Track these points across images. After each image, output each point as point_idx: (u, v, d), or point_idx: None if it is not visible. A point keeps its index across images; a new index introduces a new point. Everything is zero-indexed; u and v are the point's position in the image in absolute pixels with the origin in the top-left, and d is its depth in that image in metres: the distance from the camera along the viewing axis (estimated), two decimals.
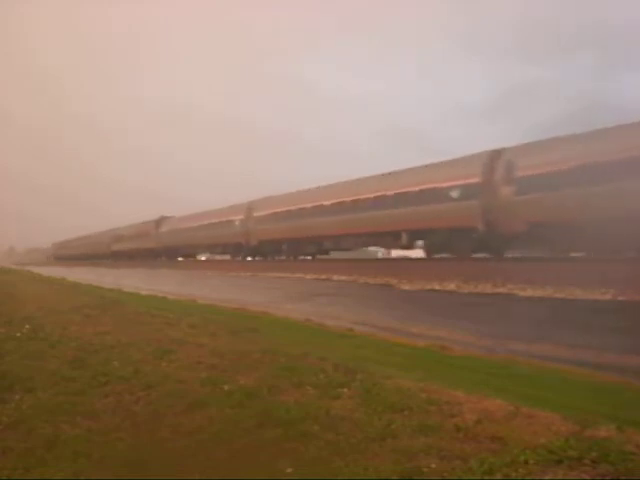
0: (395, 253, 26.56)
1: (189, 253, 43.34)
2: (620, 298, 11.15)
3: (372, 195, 23.45)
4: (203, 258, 43.45)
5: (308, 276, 22.51)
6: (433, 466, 2.72)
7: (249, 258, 34.20)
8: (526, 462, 2.69)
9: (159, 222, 46.58)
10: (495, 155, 18.75)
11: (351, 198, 24.80)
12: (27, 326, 7.82)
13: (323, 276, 21.85)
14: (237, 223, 34.53)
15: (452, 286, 15.26)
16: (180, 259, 44.41)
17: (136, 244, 49.51)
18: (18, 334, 7.22)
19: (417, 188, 21.10)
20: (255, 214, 33.07)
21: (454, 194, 19.35)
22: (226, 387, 4.33)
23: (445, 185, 19.94)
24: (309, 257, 29.14)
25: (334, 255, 28.02)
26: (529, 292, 13.04)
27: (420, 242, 22.58)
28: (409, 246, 23.26)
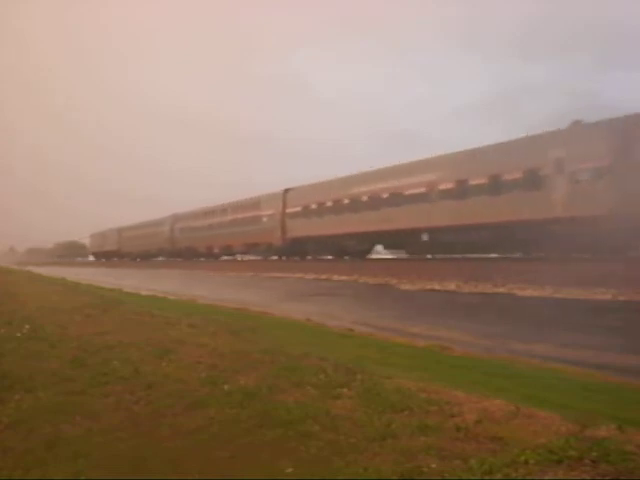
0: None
1: None
2: (620, 298, 11.15)
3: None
4: None
5: (308, 276, 22.53)
6: (433, 466, 2.72)
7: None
8: (526, 462, 2.69)
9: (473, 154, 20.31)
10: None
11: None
12: (27, 326, 7.82)
13: (323, 276, 21.87)
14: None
15: (452, 286, 15.27)
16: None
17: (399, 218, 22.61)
18: (18, 334, 7.22)
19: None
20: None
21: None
22: (226, 387, 4.33)
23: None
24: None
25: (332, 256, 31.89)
26: (529, 292, 13.05)
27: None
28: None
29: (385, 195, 23.87)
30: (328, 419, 3.48)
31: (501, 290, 13.88)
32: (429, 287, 15.72)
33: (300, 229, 30.24)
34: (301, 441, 3.14)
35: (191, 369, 5.05)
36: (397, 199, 22.93)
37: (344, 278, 20.54)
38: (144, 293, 16.05)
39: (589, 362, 5.85)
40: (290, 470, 2.80)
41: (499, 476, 2.58)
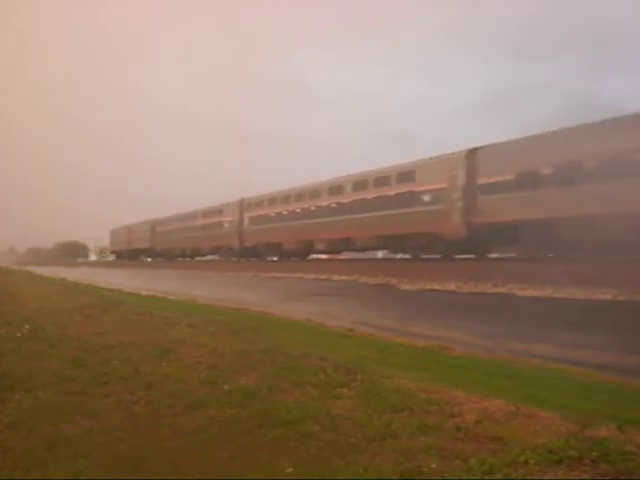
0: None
1: None
2: (620, 298, 11.15)
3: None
4: None
5: (308, 276, 22.54)
6: (433, 466, 2.72)
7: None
8: (526, 462, 2.69)
9: None
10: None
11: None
12: (27, 326, 7.82)
13: (323, 276, 21.89)
14: None
15: (452, 286, 15.28)
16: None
17: None
18: (18, 334, 7.22)
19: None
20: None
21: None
22: (226, 387, 4.33)
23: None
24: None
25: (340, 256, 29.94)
26: (529, 292, 13.06)
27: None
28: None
29: None
30: (328, 419, 3.48)
31: (501, 290, 13.90)
32: (429, 287, 15.74)
33: (509, 209, 17.87)
34: (301, 441, 3.14)
35: (191, 369, 5.05)
36: None
37: (344, 278, 20.56)
38: (144, 293, 16.05)
39: (589, 362, 5.85)
40: (290, 470, 2.79)
41: (499, 476, 2.58)
